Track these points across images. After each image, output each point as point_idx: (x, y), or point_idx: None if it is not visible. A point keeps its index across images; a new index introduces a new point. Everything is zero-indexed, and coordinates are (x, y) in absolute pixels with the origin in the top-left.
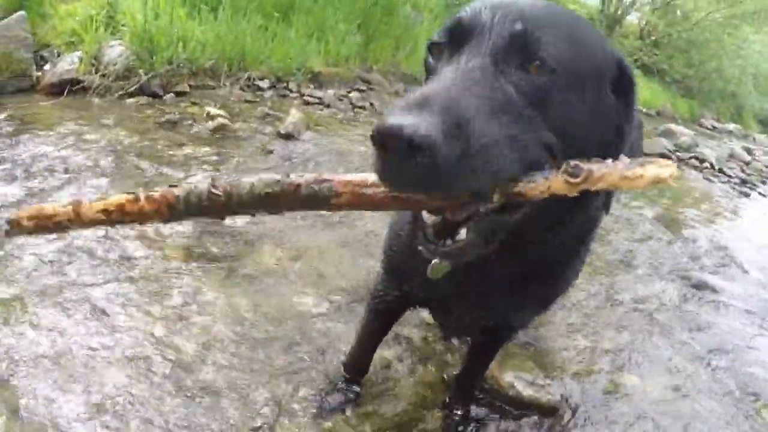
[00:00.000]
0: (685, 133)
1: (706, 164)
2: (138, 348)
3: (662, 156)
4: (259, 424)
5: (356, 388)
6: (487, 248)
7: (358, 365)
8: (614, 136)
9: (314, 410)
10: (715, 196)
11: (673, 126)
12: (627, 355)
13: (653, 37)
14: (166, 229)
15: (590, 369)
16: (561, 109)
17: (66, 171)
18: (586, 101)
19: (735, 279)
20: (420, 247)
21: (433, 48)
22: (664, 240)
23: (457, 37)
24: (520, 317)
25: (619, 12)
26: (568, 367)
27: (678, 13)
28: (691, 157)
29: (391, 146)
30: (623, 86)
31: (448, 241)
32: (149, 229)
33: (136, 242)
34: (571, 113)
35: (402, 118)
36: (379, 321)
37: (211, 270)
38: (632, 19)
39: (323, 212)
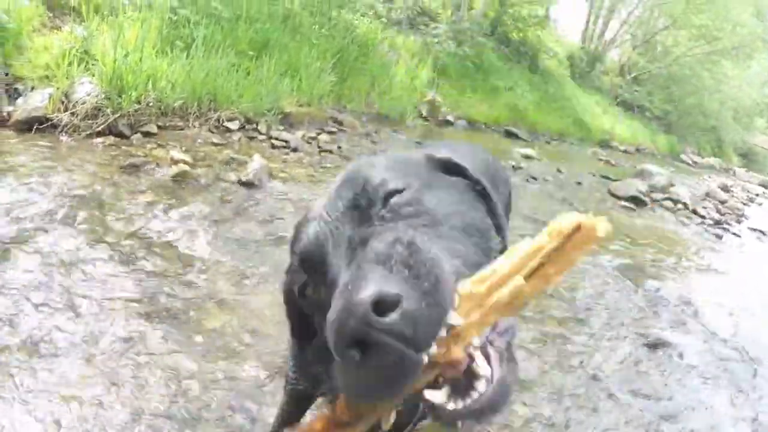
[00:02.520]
0: (661, 173)
1: (680, 205)
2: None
3: (634, 199)
4: None
5: None
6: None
7: None
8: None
9: None
10: (686, 240)
11: (648, 166)
12: (565, 426)
13: (633, 74)
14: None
15: None
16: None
17: (23, 217)
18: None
19: (693, 335)
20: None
21: None
22: (624, 292)
23: None
24: None
25: (600, 49)
26: None
27: (658, 48)
28: (665, 198)
29: None
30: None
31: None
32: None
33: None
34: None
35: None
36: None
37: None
38: (613, 56)
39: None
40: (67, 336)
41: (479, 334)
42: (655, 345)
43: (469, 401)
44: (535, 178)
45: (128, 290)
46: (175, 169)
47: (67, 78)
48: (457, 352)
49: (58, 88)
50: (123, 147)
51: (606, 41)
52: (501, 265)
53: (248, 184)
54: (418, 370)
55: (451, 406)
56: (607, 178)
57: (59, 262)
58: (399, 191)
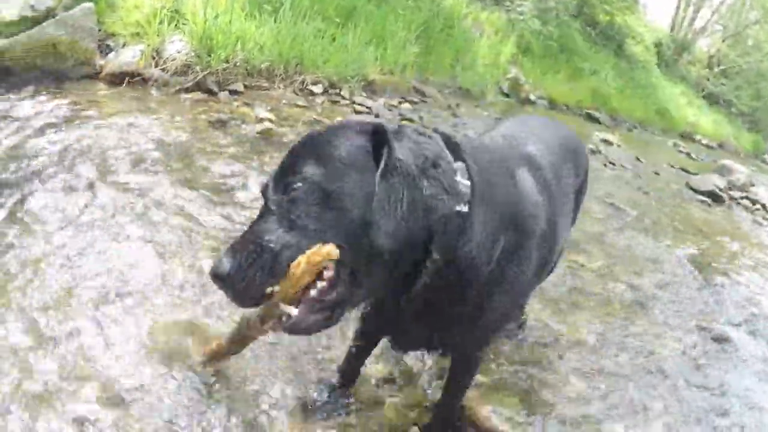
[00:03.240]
0: (741, 171)
1: (758, 206)
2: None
3: (711, 194)
4: (252, 416)
5: (344, 399)
6: (332, 316)
7: (345, 375)
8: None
9: (302, 413)
10: (760, 241)
11: (729, 162)
12: (620, 405)
13: (722, 66)
14: None
15: (578, 414)
16: None
17: (115, 159)
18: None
19: (757, 334)
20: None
21: None
22: (691, 285)
23: None
24: (457, 340)
25: (689, 38)
26: (556, 410)
27: (750, 42)
28: (743, 197)
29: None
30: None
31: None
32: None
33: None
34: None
35: None
36: (362, 339)
37: None
38: (702, 46)
39: None
40: (149, 272)
41: (292, 295)
42: (717, 339)
43: (283, 324)
44: (613, 164)
45: (211, 230)
46: (259, 127)
47: (157, 35)
48: (276, 301)
49: (149, 45)
50: (210, 103)
51: (695, 30)
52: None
53: None
54: (239, 302)
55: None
56: (686, 171)
57: (147, 200)
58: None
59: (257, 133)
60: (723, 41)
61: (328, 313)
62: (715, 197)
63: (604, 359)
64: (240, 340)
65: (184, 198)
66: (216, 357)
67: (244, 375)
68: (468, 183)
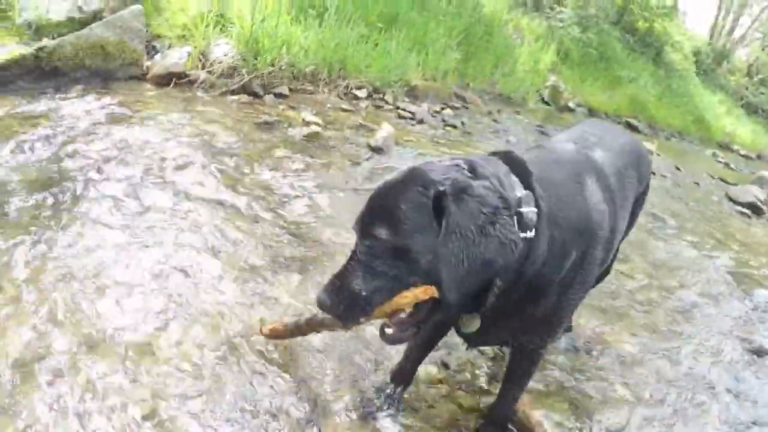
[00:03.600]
0: None
1: None
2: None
3: (751, 206)
4: (306, 418)
5: (398, 398)
6: (418, 330)
7: (402, 375)
8: None
9: (358, 413)
10: None
11: (767, 174)
12: (664, 413)
13: (761, 76)
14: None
15: (624, 421)
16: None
17: (163, 160)
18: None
19: None
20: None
21: None
22: (732, 296)
23: None
24: (526, 336)
25: (727, 47)
26: (603, 416)
27: None
28: None
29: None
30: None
31: (388, 330)
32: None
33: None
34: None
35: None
36: (422, 338)
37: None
38: (741, 54)
39: None
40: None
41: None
42: (758, 352)
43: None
44: (653, 173)
45: (256, 234)
46: (306, 130)
47: (203, 39)
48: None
49: (195, 47)
50: (256, 105)
51: (734, 39)
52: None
53: (377, 150)
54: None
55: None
56: (725, 181)
57: (193, 198)
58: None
59: (304, 136)
60: (763, 50)
61: (415, 330)
62: (755, 209)
63: (648, 368)
64: (308, 328)
65: (233, 199)
66: (277, 335)
67: (302, 371)
68: (535, 210)
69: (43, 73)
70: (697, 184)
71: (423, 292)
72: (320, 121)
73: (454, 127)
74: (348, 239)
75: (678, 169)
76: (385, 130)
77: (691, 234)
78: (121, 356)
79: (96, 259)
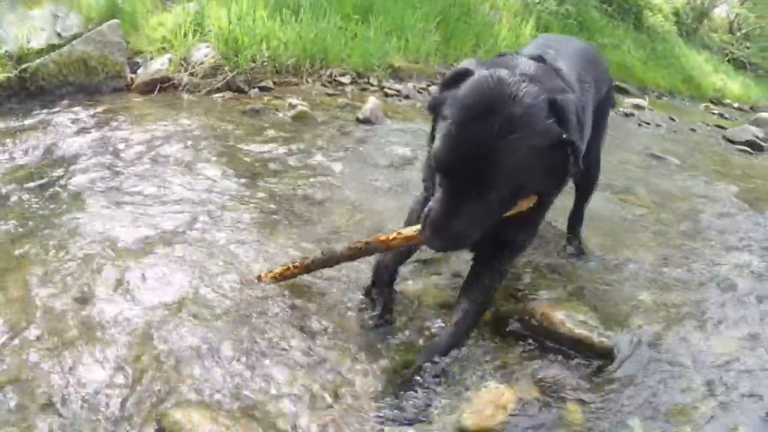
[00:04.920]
0: None
1: None
2: None
3: (750, 143)
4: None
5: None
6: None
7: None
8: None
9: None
10: None
11: (765, 115)
12: (693, 314)
13: (743, 30)
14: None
15: (651, 323)
16: None
17: (152, 149)
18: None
19: None
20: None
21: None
22: (745, 215)
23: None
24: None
25: (705, 4)
26: (627, 319)
27: None
28: None
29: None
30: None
31: None
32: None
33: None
34: None
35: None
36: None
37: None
38: (720, 12)
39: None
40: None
41: None
42: None
43: None
44: (647, 123)
45: (260, 198)
46: (293, 112)
47: (183, 47)
48: None
49: (176, 54)
50: (242, 99)
51: None
52: None
53: (365, 121)
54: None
55: None
56: (721, 127)
57: (187, 174)
58: None
59: (291, 117)
60: (741, 5)
61: None
62: (754, 146)
63: (669, 277)
64: (321, 264)
65: (227, 176)
66: (284, 276)
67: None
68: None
69: (28, 93)
70: (694, 130)
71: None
72: (306, 105)
73: None
74: (344, 199)
75: (672, 119)
76: (371, 103)
77: (694, 169)
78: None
79: (93, 231)
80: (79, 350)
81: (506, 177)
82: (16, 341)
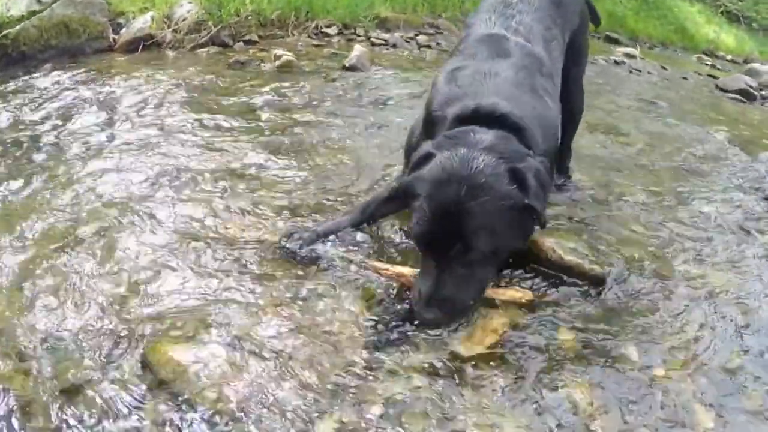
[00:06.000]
0: None
1: None
2: None
3: (743, 92)
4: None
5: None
6: None
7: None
8: None
9: None
10: None
11: (757, 65)
12: (686, 248)
13: None
14: None
15: (645, 254)
16: None
17: (138, 104)
18: None
19: None
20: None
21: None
22: (737, 158)
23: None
24: None
25: None
26: (619, 250)
27: None
28: None
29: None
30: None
31: None
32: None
33: None
34: None
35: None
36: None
37: None
38: None
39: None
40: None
41: None
42: None
43: None
44: (639, 71)
45: (246, 145)
46: (279, 62)
47: (166, 4)
48: None
49: (159, 11)
50: (226, 53)
51: None
52: None
53: (351, 68)
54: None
55: None
56: (714, 77)
57: (175, 125)
58: None
59: (277, 67)
60: None
61: None
62: (747, 95)
63: (661, 213)
64: None
65: (212, 126)
66: None
67: None
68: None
69: (10, 59)
70: (686, 79)
71: None
72: (292, 55)
73: (429, 47)
74: (328, 141)
75: (664, 68)
76: (357, 51)
77: (686, 114)
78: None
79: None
80: (66, 294)
81: (481, 235)
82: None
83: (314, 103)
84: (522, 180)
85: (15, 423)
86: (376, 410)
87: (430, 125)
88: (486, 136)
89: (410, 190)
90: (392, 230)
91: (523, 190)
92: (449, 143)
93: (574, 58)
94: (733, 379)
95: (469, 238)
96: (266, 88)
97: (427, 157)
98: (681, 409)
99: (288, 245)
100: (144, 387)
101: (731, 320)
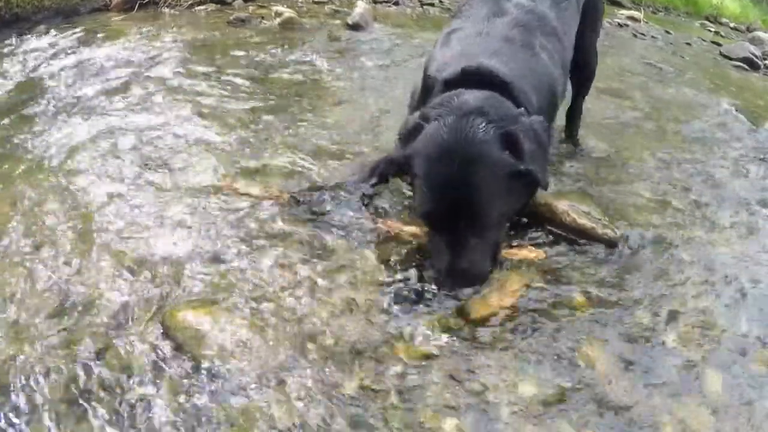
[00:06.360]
0: None
1: None
2: None
3: (747, 60)
4: None
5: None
6: None
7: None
8: None
9: None
10: None
11: (761, 34)
12: (696, 213)
13: None
14: None
15: (654, 219)
16: None
17: (137, 62)
18: None
19: None
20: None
21: None
22: (741, 126)
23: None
24: None
25: None
26: (630, 215)
27: None
28: None
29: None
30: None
31: None
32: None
33: None
34: None
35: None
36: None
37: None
38: None
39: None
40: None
41: None
42: None
43: None
44: (643, 35)
45: (252, 102)
46: (280, 19)
47: None
48: None
49: None
50: (225, 10)
51: None
52: None
53: (355, 26)
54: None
55: None
56: (717, 44)
57: (176, 79)
58: None
59: (279, 24)
60: None
61: None
62: (751, 63)
63: (670, 178)
64: None
65: (215, 85)
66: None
67: None
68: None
69: (3, 22)
70: (689, 44)
71: None
72: (293, 11)
73: (432, 5)
74: (334, 98)
75: (668, 32)
76: (360, 7)
77: (690, 80)
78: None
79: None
80: (77, 257)
81: (484, 205)
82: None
83: (319, 61)
84: (515, 143)
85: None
86: (397, 370)
87: (425, 90)
88: (471, 98)
89: (406, 168)
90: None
91: (517, 154)
92: (436, 112)
93: (589, 21)
94: (741, 344)
95: (472, 210)
96: (269, 47)
97: (416, 128)
98: (691, 373)
99: (300, 202)
100: (164, 351)
101: (738, 287)
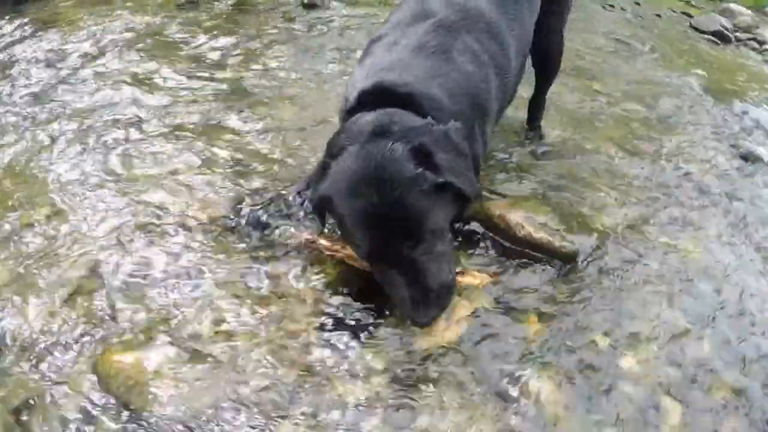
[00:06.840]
0: (745, 13)
1: (766, 46)
2: None
3: (718, 34)
4: None
5: None
6: None
7: None
8: None
9: None
10: None
11: (732, 6)
12: (659, 215)
13: None
14: None
15: (615, 223)
16: None
17: (87, 52)
18: None
19: None
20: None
21: None
22: (710, 107)
23: None
24: None
25: None
26: (591, 218)
27: None
28: (749, 39)
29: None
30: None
31: None
32: None
33: None
34: None
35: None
36: None
37: None
38: None
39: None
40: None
41: None
42: (746, 157)
43: None
44: (612, 6)
45: (203, 94)
46: (232, 0)
47: None
48: None
49: None
50: None
51: None
52: None
53: (311, 5)
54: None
55: None
56: (688, 15)
57: (127, 72)
58: None
59: (231, 5)
60: None
61: None
62: (722, 37)
63: (633, 172)
64: None
65: (166, 74)
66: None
67: None
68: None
69: None
70: (659, 16)
71: None
72: None
73: None
74: (290, 91)
75: (637, 3)
76: None
77: (659, 56)
78: None
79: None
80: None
81: (421, 221)
82: None
83: (272, 48)
84: (427, 156)
85: None
86: (335, 416)
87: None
88: (370, 120)
89: (327, 208)
90: None
91: (433, 168)
92: (339, 144)
93: (555, 7)
94: (701, 370)
95: (410, 231)
96: (221, 32)
97: (324, 167)
98: (649, 403)
99: (239, 223)
100: (97, 400)
101: (702, 302)
